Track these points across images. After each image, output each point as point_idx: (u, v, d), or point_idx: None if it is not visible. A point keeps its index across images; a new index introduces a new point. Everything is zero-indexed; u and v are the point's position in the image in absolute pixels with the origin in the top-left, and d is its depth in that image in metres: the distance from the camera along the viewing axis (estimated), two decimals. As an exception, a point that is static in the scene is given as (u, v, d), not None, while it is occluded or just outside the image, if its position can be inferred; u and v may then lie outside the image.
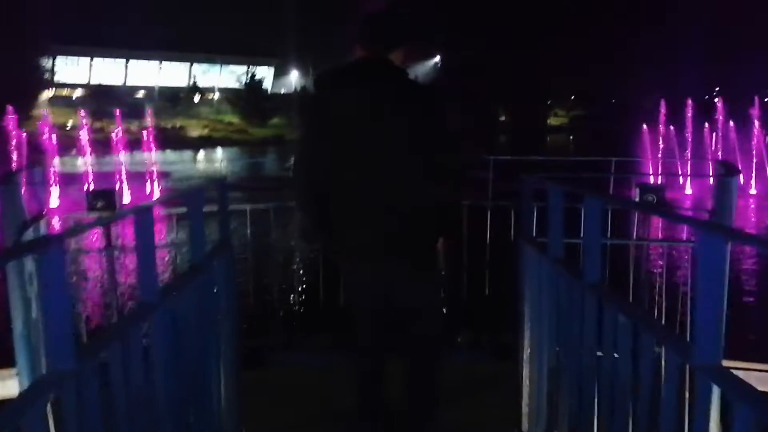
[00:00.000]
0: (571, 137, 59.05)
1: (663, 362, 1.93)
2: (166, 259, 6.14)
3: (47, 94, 59.85)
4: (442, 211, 2.92)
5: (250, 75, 70.45)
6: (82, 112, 33.36)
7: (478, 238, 5.14)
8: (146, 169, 25.33)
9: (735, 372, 1.55)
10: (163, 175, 24.87)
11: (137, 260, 2.29)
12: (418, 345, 3.13)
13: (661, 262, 4.58)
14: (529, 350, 3.38)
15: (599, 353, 2.31)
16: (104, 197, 4.91)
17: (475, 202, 4.87)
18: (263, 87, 71.18)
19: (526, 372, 3.42)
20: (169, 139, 51.87)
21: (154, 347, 2.30)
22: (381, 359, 3.16)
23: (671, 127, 25.57)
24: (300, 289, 5.28)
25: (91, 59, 68.86)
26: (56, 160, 28.08)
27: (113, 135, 32.62)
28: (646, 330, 1.90)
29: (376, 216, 2.80)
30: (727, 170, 3.22)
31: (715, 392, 1.84)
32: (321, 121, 2.85)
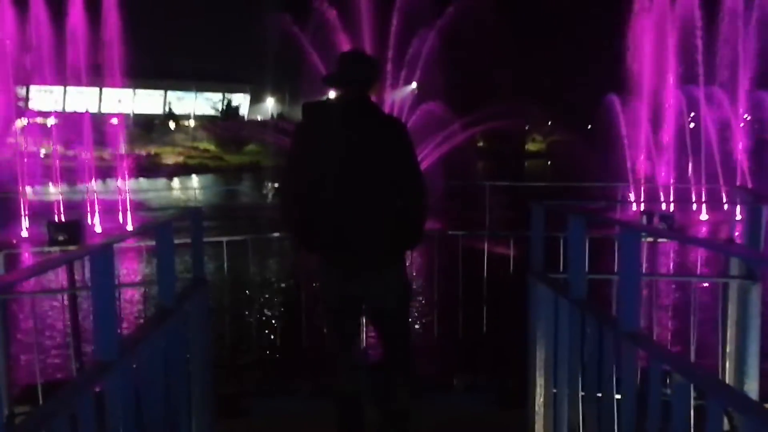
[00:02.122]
0: (549, 162, 59.26)
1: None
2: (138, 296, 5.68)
3: (21, 122, 58.61)
4: (407, 222, 3.28)
5: (226, 102, 69.99)
6: (56, 140, 32.53)
7: (473, 270, 4.80)
8: (119, 198, 24.68)
9: None
10: (138, 204, 24.25)
11: (93, 308, 1.90)
12: (390, 339, 3.44)
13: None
14: (542, 399, 3.03)
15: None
16: (67, 230, 4.48)
17: (472, 233, 4.55)
18: (239, 114, 70.73)
19: (539, 424, 3.06)
20: (144, 167, 50.90)
21: (111, 411, 1.90)
22: (354, 352, 3.46)
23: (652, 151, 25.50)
24: (281, 329, 4.85)
25: (65, 88, 68.00)
26: (28, 189, 27.33)
27: (86, 162, 31.79)
28: (714, 395, 1.56)
29: (353, 228, 3.20)
30: (756, 197, 2.92)
31: None
32: (308, 147, 3.28)
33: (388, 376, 3.41)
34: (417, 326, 6.20)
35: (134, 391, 2.08)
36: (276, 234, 4.88)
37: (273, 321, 5.14)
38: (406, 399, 3.42)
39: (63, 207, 20.95)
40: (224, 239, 4.61)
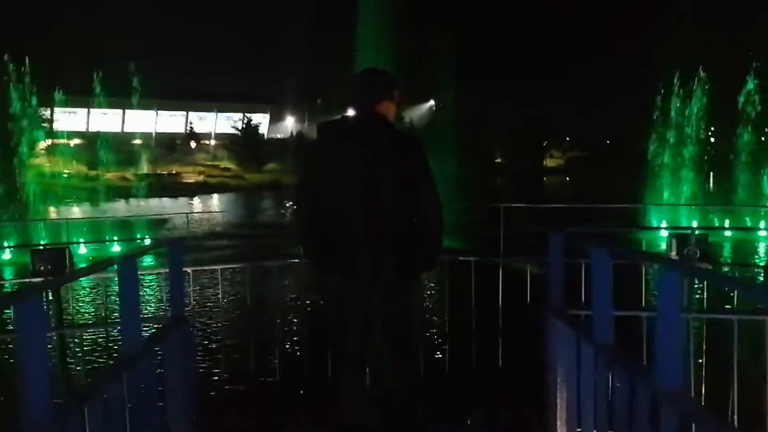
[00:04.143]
0: (568, 179, 58.54)
1: None
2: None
3: (44, 143, 59.45)
4: (423, 240, 3.25)
5: (246, 121, 70.53)
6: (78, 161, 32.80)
7: (487, 299, 4.44)
8: (138, 218, 24.68)
9: None
10: (159, 223, 24.20)
11: (19, 365, 1.59)
12: (399, 350, 3.34)
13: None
14: None
15: None
16: (51, 259, 4.20)
17: (485, 259, 4.21)
18: (259, 133, 71.15)
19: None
20: (166, 186, 51.28)
21: None
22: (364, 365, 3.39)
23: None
24: (281, 359, 4.52)
25: (89, 109, 69.26)
26: (51, 209, 27.53)
27: (107, 183, 31.99)
28: None
29: (367, 246, 3.16)
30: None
31: None
32: (323, 165, 3.26)
33: (401, 403, 3.31)
34: (427, 358, 5.84)
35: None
36: (274, 262, 4.59)
37: (272, 351, 4.83)
38: (419, 426, 3.30)
39: (81, 228, 20.97)
40: (219, 267, 4.31)
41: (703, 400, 3.23)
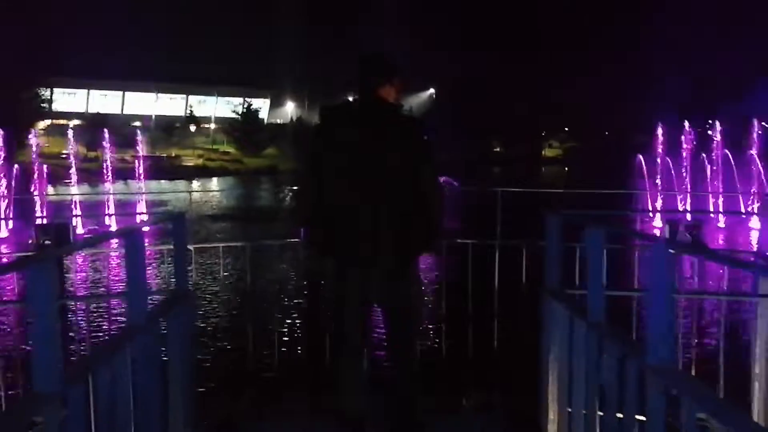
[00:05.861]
0: (566, 168, 58.58)
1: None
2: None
3: (43, 123, 59.33)
4: (423, 224, 3.24)
5: (246, 105, 70.31)
6: (77, 141, 32.70)
7: (484, 280, 4.50)
8: (137, 199, 24.70)
9: None
10: (157, 205, 24.21)
11: (31, 331, 1.65)
12: (400, 336, 3.36)
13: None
14: (555, 419, 2.74)
15: None
16: (55, 233, 4.27)
17: (482, 242, 4.26)
18: (259, 117, 70.93)
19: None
20: (165, 169, 51.29)
21: None
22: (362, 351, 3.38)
23: (668, 158, 24.76)
24: (279, 341, 4.56)
25: (89, 90, 69.09)
26: (50, 189, 27.49)
27: (107, 164, 31.93)
28: None
29: (368, 228, 3.16)
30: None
31: None
32: (324, 149, 3.26)
33: (401, 388, 3.32)
34: (424, 341, 5.88)
35: (86, 425, 1.81)
36: (276, 241, 4.63)
37: (269, 333, 4.84)
38: (419, 412, 3.32)
39: (81, 208, 21.00)
40: (221, 245, 4.35)
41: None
